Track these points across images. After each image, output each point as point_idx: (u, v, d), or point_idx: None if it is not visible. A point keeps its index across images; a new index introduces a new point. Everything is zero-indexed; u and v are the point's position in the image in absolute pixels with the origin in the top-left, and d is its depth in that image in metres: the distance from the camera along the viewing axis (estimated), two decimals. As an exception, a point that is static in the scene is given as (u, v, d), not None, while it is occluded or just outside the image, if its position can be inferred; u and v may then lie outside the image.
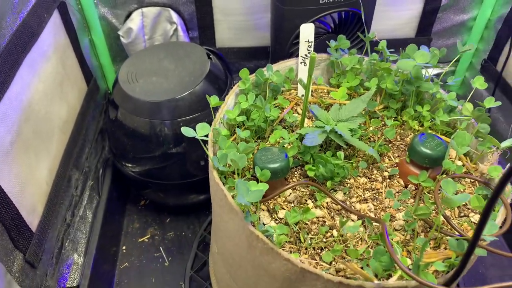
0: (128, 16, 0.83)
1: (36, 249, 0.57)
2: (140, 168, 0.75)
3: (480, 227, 0.28)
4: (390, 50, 0.58)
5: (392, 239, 0.43)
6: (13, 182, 0.53)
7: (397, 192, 0.48)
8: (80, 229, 0.74)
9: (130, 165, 0.76)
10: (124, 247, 0.81)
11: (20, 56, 0.56)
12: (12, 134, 0.54)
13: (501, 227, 0.42)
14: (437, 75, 0.99)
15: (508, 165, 0.27)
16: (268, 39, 0.88)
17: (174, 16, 0.83)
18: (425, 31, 0.91)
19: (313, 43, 0.57)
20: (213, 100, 0.53)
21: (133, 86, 0.71)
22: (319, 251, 0.43)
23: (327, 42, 0.58)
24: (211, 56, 0.76)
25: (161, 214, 0.86)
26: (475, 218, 0.46)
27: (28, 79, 0.58)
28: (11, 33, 0.54)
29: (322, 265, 0.41)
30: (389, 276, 0.40)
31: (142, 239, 0.82)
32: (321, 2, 0.64)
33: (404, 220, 0.45)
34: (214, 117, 0.54)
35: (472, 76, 0.98)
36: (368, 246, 0.42)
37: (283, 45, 0.70)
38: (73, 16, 0.75)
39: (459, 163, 0.51)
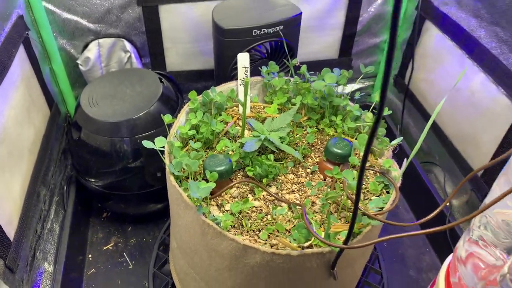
0: (85, 46, 0.92)
1: (14, 256, 0.65)
2: (103, 182, 0.84)
3: (357, 194, 0.40)
4: (310, 72, 0.71)
5: (312, 218, 0.56)
6: (-7, 197, 0.61)
7: (317, 184, 0.61)
8: (49, 241, 0.81)
9: (93, 179, 0.85)
10: (90, 255, 0.88)
11: (-5, 88, 0.64)
12: (-9, 155, 0.62)
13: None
14: (359, 89, 1.16)
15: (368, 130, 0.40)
16: (212, 63, 1.00)
17: (128, 45, 0.94)
18: (346, 52, 1.07)
19: (249, 69, 0.69)
20: (166, 118, 0.64)
21: (94, 109, 0.80)
22: (258, 232, 0.55)
23: (259, 68, 0.71)
24: (163, 80, 0.87)
25: (122, 224, 0.94)
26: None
27: (2, 107, 0.66)
28: (-14, 67, 0.63)
29: (260, 241, 0.53)
30: (310, 246, 0.52)
31: (106, 247, 0.90)
32: (253, 34, 0.77)
33: (322, 204, 0.58)
34: (169, 133, 0.64)
35: (389, 88, 1.16)
36: (294, 226, 0.55)
37: (225, 70, 0.83)
38: (35, 48, 0.84)
39: (365, 159, 0.65)
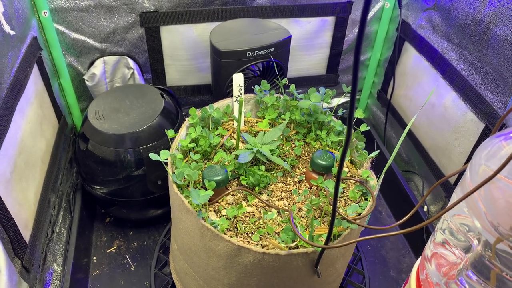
0: (91, 63, 0.99)
1: (30, 258, 0.71)
2: (107, 189, 0.91)
3: (335, 198, 0.48)
4: (298, 90, 0.79)
5: (298, 223, 0.63)
6: (13, 203, 0.68)
7: (303, 191, 0.69)
8: (58, 244, 0.88)
9: (98, 187, 0.92)
10: (94, 258, 0.95)
11: (14, 104, 0.71)
12: (11, 166, 0.68)
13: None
14: (345, 102, 1.24)
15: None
16: (209, 78, 1.08)
17: (131, 63, 1.01)
18: (333, 69, 1.15)
19: (243, 87, 0.77)
20: (170, 133, 0.71)
21: (100, 122, 0.87)
22: (250, 234, 0.62)
23: (252, 87, 0.79)
24: (164, 95, 0.94)
25: (125, 228, 1.01)
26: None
27: (20, 122, 0.73)
28: (7, 86, 0.70)
29: (252, 243, 0.61)
30: (296, 247, 0.60)
31: (110, 250, 0.97)
32: (247, 56, 0.85)
33: (307, 210, 0.65)
34: (171, 145, 0.72)
35: (373, 103, 1.24)
36: (282, 229, 0.62)
37: (221, 87, 0.91)
38: (46, 66, 0.91)
39: (347, 169, 0.73)
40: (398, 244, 1.02)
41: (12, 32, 0.69)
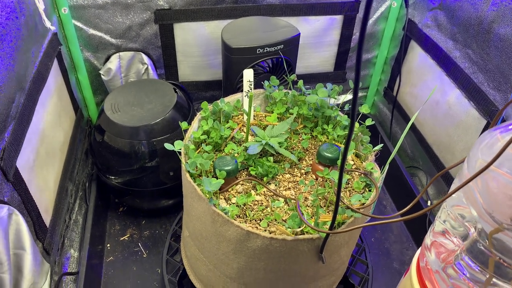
0: (107, 58, 1.03)
1: (50, 241, 0.75)
2: (122, 179, 0.95)
3: (339, 186, 0.51)
4: (306, 86, 0.82)
5: (304, 211, 0.66)
6: (35, 189, 0.72)
7: (309, 182, 0.72)
8: (74, 230, 0.92)
9: (113, 177, 0.96)
10: (108, 245, 0.99)
11: (37, 96, 0.75)
12: (34, 154, 0.73)
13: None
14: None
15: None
16: (220, 74, 1.11)
17: (145, 58, 1.05)
18: (341, 66, 1.18)
19: (253, 82, 0.80)
20: (183, 125, 0.75)
21: (116, 115, 0.91)
22: (259, 221, 0.66)
23: (262, 82, 0.82)
24: (176, 90, 0.98)
25: (137, 217, 1.05)
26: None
27: (41, 113, 0.78)
28: (30, 79, 0.74)
29: (261, 229, 0.64)
30: (302, 233, 0.63)
31: (123, 238, 1.01)
32: (257, 52, 0.89)
33: (313, 199, 0.69)
34: (184, 136, 0.75)
35: (379, 100, 1.27)
36: (289, 216, 0.66)
37: (232, 82, 0.94)
38: (65, 60, 0.95)
39: (352, 162, 0.76)
40: (401, 237, 1.05)
41: (52, 28, 0.73)
